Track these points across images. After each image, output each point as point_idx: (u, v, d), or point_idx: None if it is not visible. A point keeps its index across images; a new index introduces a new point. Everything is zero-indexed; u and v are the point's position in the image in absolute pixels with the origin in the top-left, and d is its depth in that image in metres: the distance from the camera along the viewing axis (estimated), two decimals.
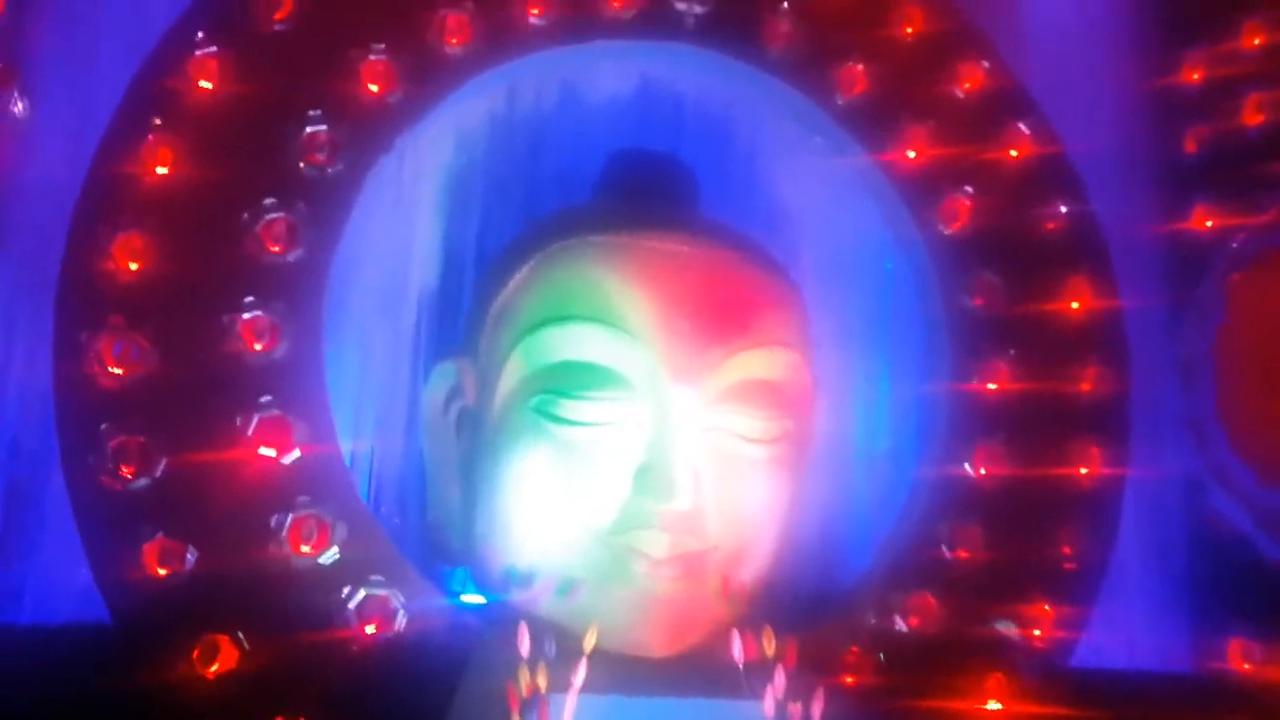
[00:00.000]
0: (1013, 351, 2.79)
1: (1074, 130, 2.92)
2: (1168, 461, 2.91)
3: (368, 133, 2.40)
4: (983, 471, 2.72)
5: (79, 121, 2.29)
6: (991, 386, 2.78)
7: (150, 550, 2.08)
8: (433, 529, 2.52)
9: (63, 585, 2.15)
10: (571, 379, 2.27)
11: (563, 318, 2.30)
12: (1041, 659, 2.64)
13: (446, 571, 2.57)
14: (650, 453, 2.25)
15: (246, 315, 2.20)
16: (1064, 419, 2.81)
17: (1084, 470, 2.78)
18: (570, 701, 2.09)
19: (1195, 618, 2.84)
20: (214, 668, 2.06)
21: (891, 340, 2.92)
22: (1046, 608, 2.66)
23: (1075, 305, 2.87)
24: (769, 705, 2.19)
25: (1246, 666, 2.71)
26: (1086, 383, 2.84)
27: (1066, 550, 2.72)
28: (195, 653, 2.05)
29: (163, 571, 2.08)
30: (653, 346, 2.26)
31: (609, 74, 2.88)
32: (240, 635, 2.09)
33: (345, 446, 2.41)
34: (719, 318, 2.34)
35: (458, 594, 2.54)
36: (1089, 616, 2.71)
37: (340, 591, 2.19)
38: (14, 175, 2.26)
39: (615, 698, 2.21)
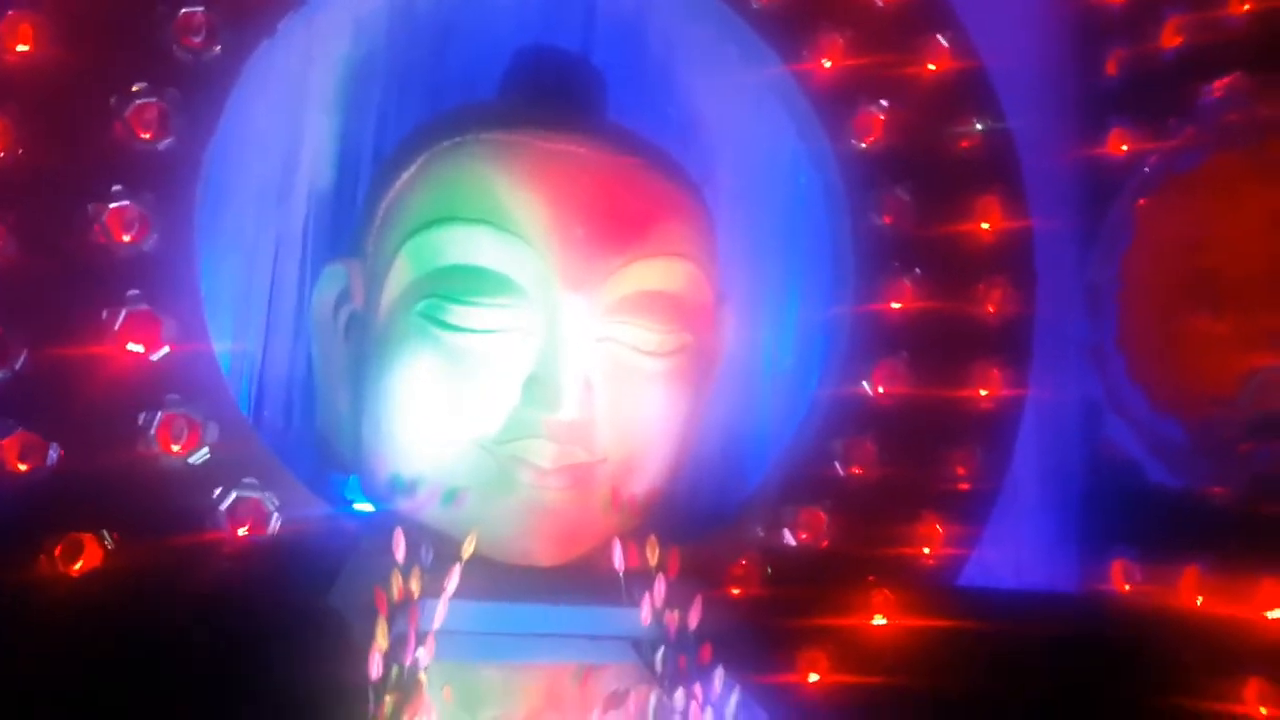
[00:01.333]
0: (919, 271, 2.77)
1: (994, 47, 2.87)
2: (1067, 386, 2.93)
3: (248, 16, 2.27)
4: (881, 390, 2.72)
5: None
6: (896, 305, 2.76)
7: (9, 445, 2.00)
8: (321, 435, 2.47)
9: None
10: (459, 283, 2.21)
11: (450, 219, 2.23)
12: (929, 576, 2.68)
13: (335, 478, 2.53)
14: (539, 361, 2.21)
15: (113, 205, 2.10)
16: (967, 340, 2.80)
17: (983, 392, 2.79)
18: (441, 607, 2.07)
19: (1083, 540, 2.89)
20: (77, 566, 2.00)
21: (799, 256, 2.88)
22: (937, 527, 2.69)
23: (985, 226, 2.84)
24: (646, 613, 2.19)
25: (1127, 587, 2.77)
26: (991, 304, 2.83)
27: (960, 470, 2.74)
28: (57, 550, 1.99)
29: (23, 467, 2.01)
30: (544, 251, 2.20)
31: None
32: (105, 534, 2.03)
33: (227, 347, 2.35)
34: (615, 224, 2.27)
35: (346, 501, 2.50)
36: (979, 536, 2.75)
37: (212, 493, 2.14)
38: None
39: (492, 604, 2.20)
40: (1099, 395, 2.94)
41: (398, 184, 2.32)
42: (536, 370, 2.20)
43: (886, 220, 2.78)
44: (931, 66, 2.82)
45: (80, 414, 2.06)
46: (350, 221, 2.56)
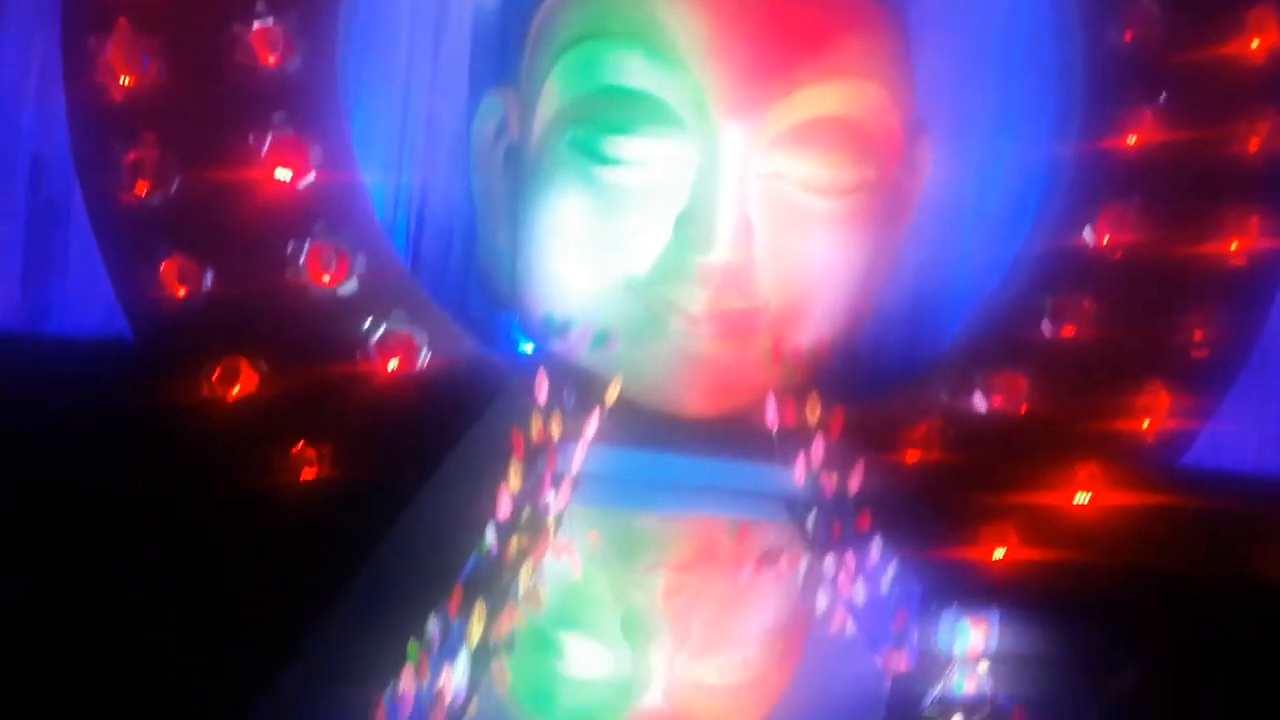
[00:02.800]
0: (1164, 98, 2.33)
1: None
2: None
3: None
4: (1106, 239, 2.34)
5: None
6: (1132, 140, 2.35)
7: (168, 268, 2.05)
8: (482, 272, 2.40)
9: (88, 302, 2.17)
10: (609, 109, 2.02)
11: (600, 35, 2.03)
12: (1147, 453, 2.33)
13: (497, 317, 2.47)
14: (694, 197, 2.01)
15: (258, 24, 2.04)
16: (1219, 181, 2.35)
17: (1235, 245, 2.35)
18: (579, 452, 1.98)
19: None
20: (234, 391, 2.05)
21: (1018, 80, 2.49)
22: (1162, 397, 2.33)
23: (1255, 44, 2.35)
24: (800, 473, 2.02)
25: None
26: (1255, 138, 2.35)
27: (1198, 335, 2.34)
28: (215, 374, 2.04)
29: (181, 291, 2.05)
30: (701, 74, 1.97)
31: None
32: (260, 361, 2.05)
33: (387, 178, 2.30)
34: (783, 42, 2.00)
35: (507, 341, 2.45)
36: (1212, 410, 2.36)
37: (361, 324, 2.12)
38: None
39: (642, 453, 2.10)
40: None
41: (548, 1, 2.14)
42: (690, 207, 2.01)
43: (1127, 37, 2.34)
44: None
45: (231, 240, 2.07)
46: (513, 48, 2.42)
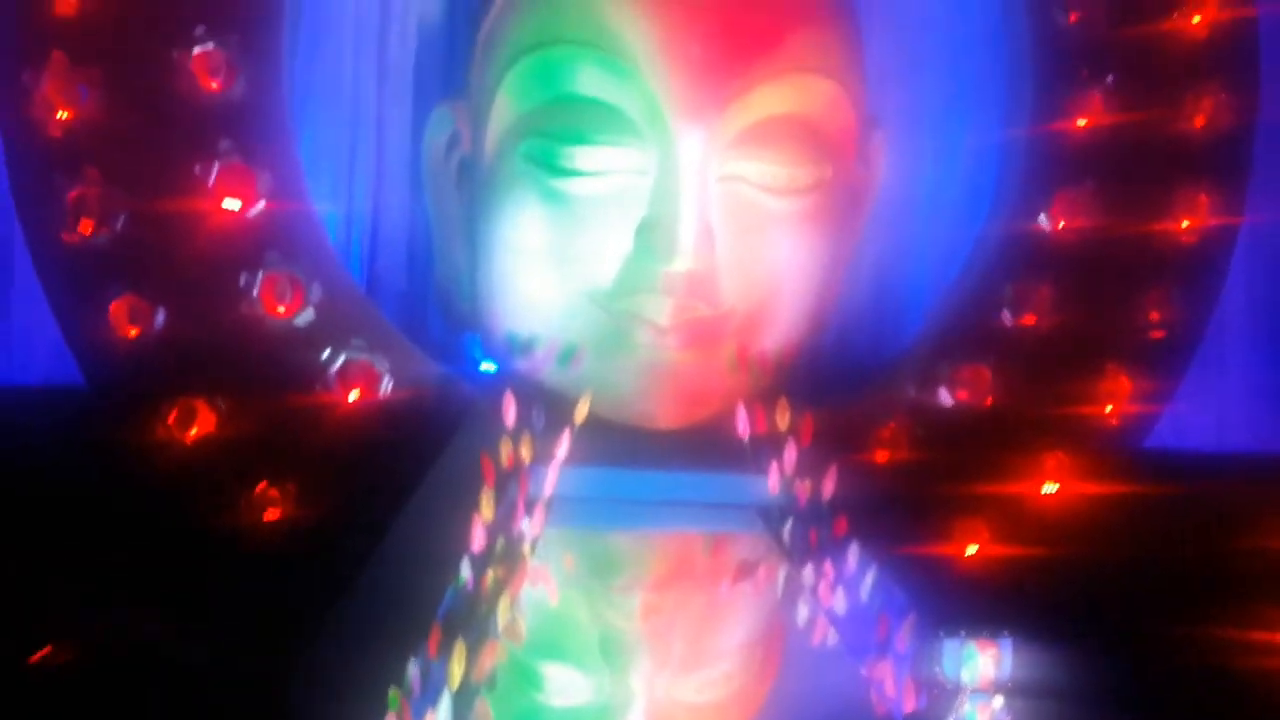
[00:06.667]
0: (1112, 79, 2.34)
1: None
2: None
3: None
4: (1061, 224, 2.35)
5: None
6: (1082, 123, 2.35)
7: (118, 308, 1.98)
8: (441, 292, 2.35)
9: (34, 347, 2.10)
10: (564, 118, 2.00)
11: (550, 42, 2.00)
12: (1112, 437, 2.36)
13: (458, 338, 2.42)
14: (653, 206, 1.99)
15: (198, 49, 1.97)
16: (1168, 161, 2.37)
17: (1186, 223, 2.37)
18: (551, 474, 1.96)
19: None
20: (192, 432, 1.99)
21: (968, 68, 2.49)
22: (1123, 381, 2.35)
23: (1197, 19, 2.36)
24: (774, 481, 2.02)
25: None
26: (1201, 116, 2.37)
27: (1154, 316, 2.36)
28: (171, 416, 1.98)
29: (133, 332, 1.99)
30: (655, 79, 1.95)
31: None
32: (217, 399, 2.00)
33: (338, 201, 2.25)
34: (736, 42, 1.99)
35: (470, 362, 2.40)
36: (1173, 391, 2.39)
37: (320, 355, 2.07)
38: None
39: (614, 470, 2.08)
40: None
41: (495, 8, 2.10)
42: (650, 216, 1.99)
43: (1073, 18, 2.34)
44: None
45: (181, 276, 2.01)
46: (462, 58, 2.37)
